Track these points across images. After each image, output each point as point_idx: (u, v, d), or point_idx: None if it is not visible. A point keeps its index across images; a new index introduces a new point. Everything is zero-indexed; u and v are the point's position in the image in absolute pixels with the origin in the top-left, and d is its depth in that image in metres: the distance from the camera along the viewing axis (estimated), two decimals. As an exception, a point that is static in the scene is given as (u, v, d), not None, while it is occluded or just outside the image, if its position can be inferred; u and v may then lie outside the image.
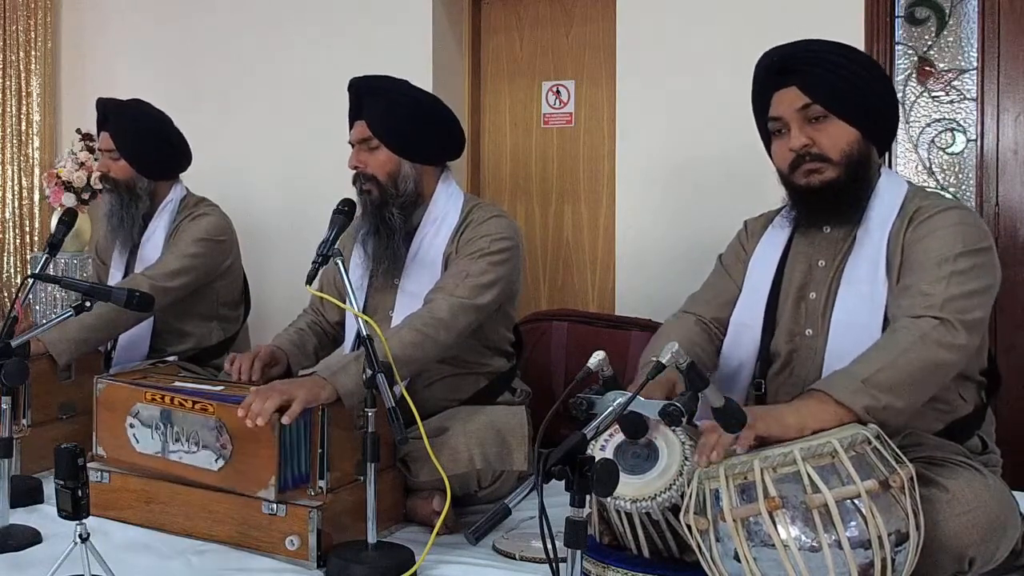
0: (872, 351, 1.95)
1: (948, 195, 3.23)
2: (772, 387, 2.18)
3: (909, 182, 2.20)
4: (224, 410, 2.26)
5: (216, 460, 2.28)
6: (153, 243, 3.22)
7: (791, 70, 2.12)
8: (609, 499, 1.90)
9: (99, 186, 3.85)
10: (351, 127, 2.68)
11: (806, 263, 2.19)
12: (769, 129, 2.20)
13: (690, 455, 1.89)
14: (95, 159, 4.25)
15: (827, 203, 2.11)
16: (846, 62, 2.12)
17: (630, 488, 1.89)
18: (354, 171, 2.64)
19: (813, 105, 2.09)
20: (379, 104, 2.61)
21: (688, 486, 1.82)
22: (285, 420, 2.15)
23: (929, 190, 2.38)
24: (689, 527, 1.79)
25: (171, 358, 3.16)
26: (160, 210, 3.26)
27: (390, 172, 2.61)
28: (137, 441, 2.41)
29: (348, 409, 2.27)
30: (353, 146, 2.67)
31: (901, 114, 3.11)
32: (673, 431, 1.90)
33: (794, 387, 2.12)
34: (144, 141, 3.24)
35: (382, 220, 2.60)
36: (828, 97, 2.08)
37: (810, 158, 2.09)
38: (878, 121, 2.16)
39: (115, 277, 3.30)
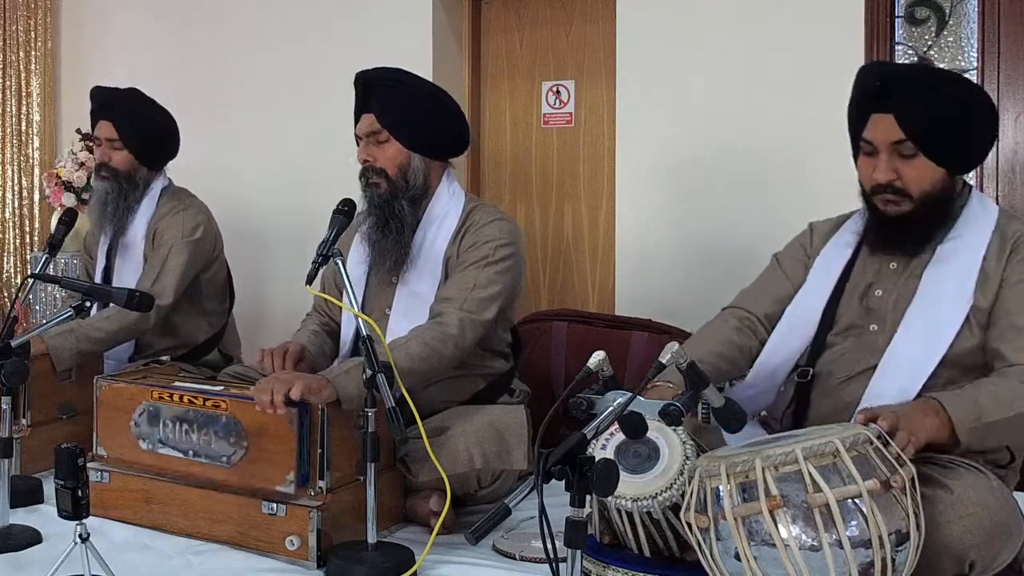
0: (1005, 389, 1.94)
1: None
2: (822, 378, 2.18)
3: (999, 206, 2.20)
4: (239, 407, 2.27)
5: (230, 457, 2.29)
6: (133, 230, 3.23)
7: (892, 96, 2.07)
8: (610, 498, 1.90)
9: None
10: (357, 121, 2.66)
11: (877, 264, 2.19)
12: (860, 147, 2.16)
13: (691, 454, 1.89)
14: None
15: (898, 233, 2.12)
16: (948, 97, 2.08)
17: (631, 487, 1.89)
18: (363, 165, 2.62)
19: (907, 142, 2.06)
20: (388, 96, 2.60)
21: (689, 485, 1.82)
22: (293, 395, 2.17)
23: (1016, 213, 2.35)
24: (689, 525, 1.79)
25: (164, 358, 3.16)
26: (140, 197, 3.25)
27: (400, 165, 2.59)
28: (142, 440, 2.41)
29: (347, 412, 2.27)
30: (359, 140, 2.66)
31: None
32: (674, 430, 1.90)
33: (845, 371, 2.13)
34: (146, 130, 3.25)
35: (392, 213, 2.58)
36: (922, 136, 2.06)
37: (892, 191, 2.09)
38: (967, 158, 2.16)
39: (98, 268, 3.31)
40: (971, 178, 3.23)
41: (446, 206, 2.66)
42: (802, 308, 2.24)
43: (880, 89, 2.10)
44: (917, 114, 2.06)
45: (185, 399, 2.35)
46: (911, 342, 2.05)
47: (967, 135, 2.11)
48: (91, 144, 4.35)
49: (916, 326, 2.07)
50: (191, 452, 2.36)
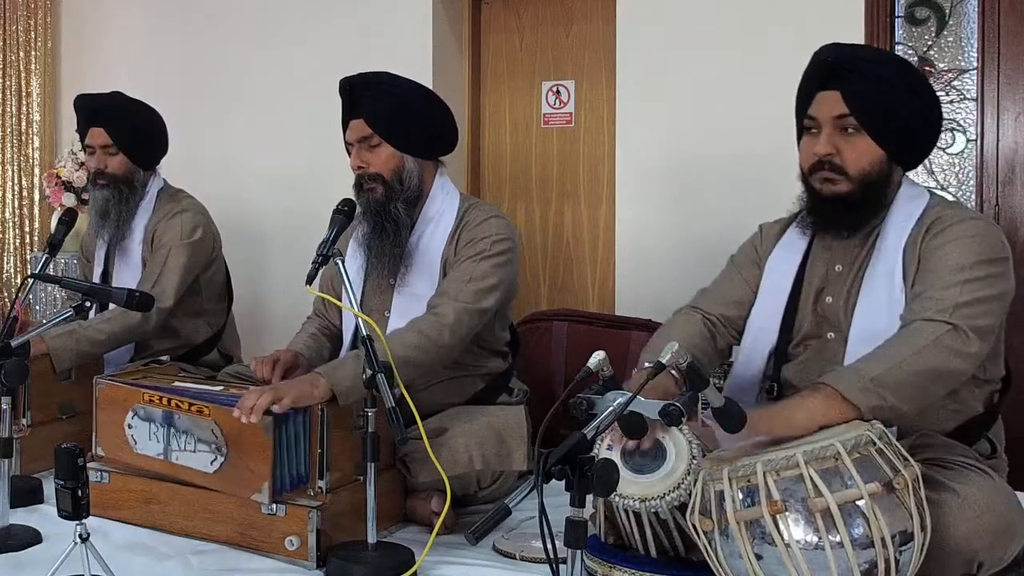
0: (883, 349, 1.95)
1: (948, 195, 3.23)
2: (786, 388, 2.17)
3: (932, 192, 2.19)
4: (220, 412, 2.26)
5: (212, 462, 2.28)
6: (132, 234, 3.22)
7: (840, 74, 2.09)
8: (617, 499, 1.90)
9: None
10: (345, 128, 2.66)
11: (824, 268, 2.19)
12: (804, 125, 2.19)
13: (698, 454, 1.89)
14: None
15: (835, 213, 2.12)
16: (897, 81, 2.09)
17: (638, 487, 1.89)
18: (357, 172, 2.61)
19: (849, 117, 2.07)
20: (376, 100, 2.59)
21: (696, 485, 1.82)
22: (277, 408, 2.16)
23: (951, 200, 2.34)
24: (695, 527, 1.79)
25: (164, 358, 3.16)
26: (139, 200, 3.25)
27: (394, 168, 2.59)
28: (135, 442, 2.41)
29: (343, 407, 2.27)
30: (349, 147, 2.65)
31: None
32: (680, 430, 1.90)
33: (809, 378, 2.10)
34: (139, 131, 3.25)
35: (387, 217, 2.58)
36: (866, 113, 2.07)
37: (829, 167, 2.09)
38: (910, 146, 2.15)
39: (96, 271, 3.31)
40: (971, 178, 3.24)
41: (441, 206, 2.66)
42: (761, 320, 2.24)
43: (829, 66, 2.11)
44: (862, 89, 2.07)
45: (172, 403, 2.34)
46: (864, 347, 2.02)
47: (910, 117, 2.10)
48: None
49: (864, 330, 2.07)
50: (176, 456, 2.34)
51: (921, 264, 2.05)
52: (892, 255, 2.09)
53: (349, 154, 2.65)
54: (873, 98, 2.07)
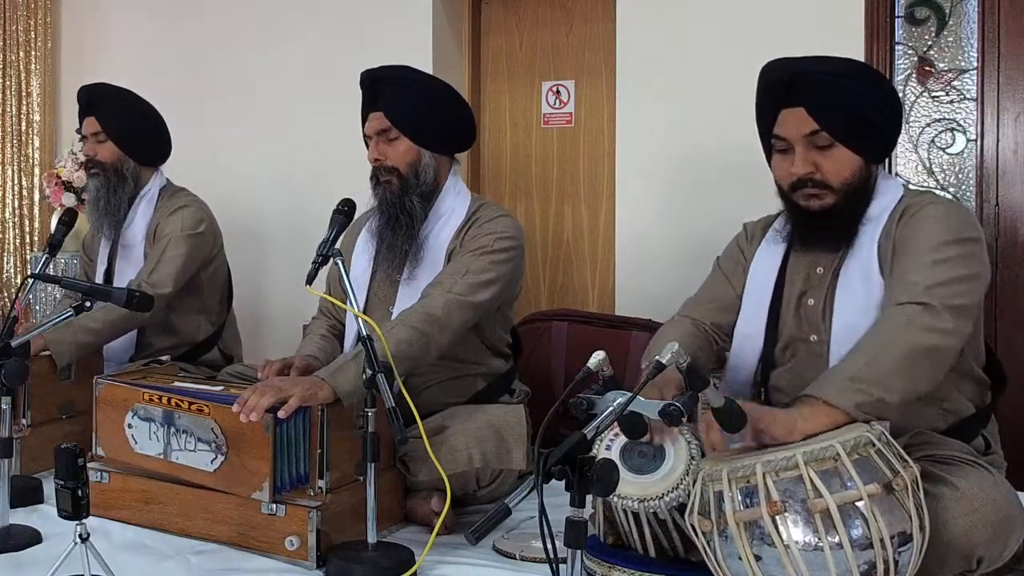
0: (860, 344, 1.95)
1: (947, 195, 3.23)
2: (775, 394, 2.17)
3: (905, 184, 2.20)
4: (220, 411, 2.26)
5: (212, 461, 2.28)
6: (133, 231, 3.22)
7: (800, 89, 2.08)
8: (616, 499, 1.91)
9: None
10: (364, 120, 2.67)
11: (805, 270, 2.19)
12: (772, 144, 2.17)
13: (696, 455, 1.89)
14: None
15: (822, 226, 2.12)
16: (857, 87, 2.09)
17: (637, 488, 1.89)
18: (374, 164, 2.63)
19: (821, 132, 2.06)
20: (396, 93, 2.61)
21: (694, 487, 1.82)
22: (281, 414, 2.15)
23: (922, 190, 2.37)
24: (693, 527, 1.80)
25: (164, 357, 3.16)
26: (140, 197, 3.25)
27: (411, 162, 2.60)
28: (135, 441, 2.41)
29: (347, 409, 2.27)
30: (368, 140, 2.66)
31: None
32: (679, 431, 1.90)
33: (798, 391, 2.11)
34: (130, 122, 3.25)
35: (402, 209, 2.58)
36: (836, 125, 2.06)
37: (812, 184, 2.08)
38: (882, 146, 2.16)
39: (99, 270, 3.31)
40: (971, 178, 3.24)
41: (452, 203, 2.67)
42: (746, 325, 2.24)
43: (787, 83, 2.10)
44: (827, 103, 2.06)
45: (172, 402, 2.34)
46: (847, 348, 2.01)
47: (876, 116, 2.10)
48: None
49: (845, 329, 2.06)
50: (176, 456, 2.34)
51: (896, 253, 2.06)
52: (867, 251, 2.09)
53: (367, 147, 2.66)
54: (840, 109, 2.07)
